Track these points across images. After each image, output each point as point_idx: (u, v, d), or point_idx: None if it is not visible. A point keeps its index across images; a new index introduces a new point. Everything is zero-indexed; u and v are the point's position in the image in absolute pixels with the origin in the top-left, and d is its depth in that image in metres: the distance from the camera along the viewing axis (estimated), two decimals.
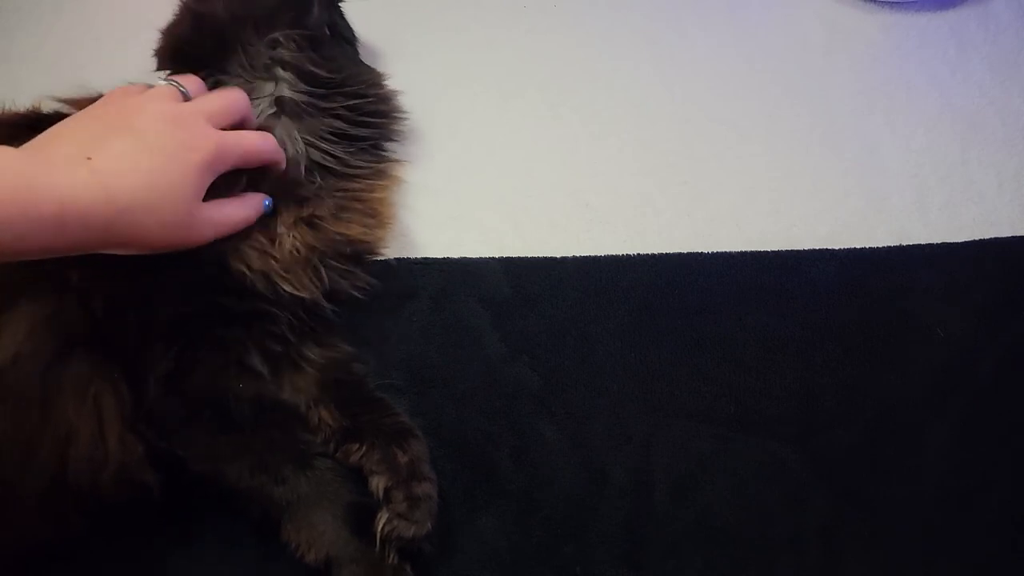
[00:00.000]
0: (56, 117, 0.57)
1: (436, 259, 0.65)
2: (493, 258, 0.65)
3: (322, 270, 0.57)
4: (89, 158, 0.46)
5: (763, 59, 0.77)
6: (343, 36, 0.69)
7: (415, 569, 0.51)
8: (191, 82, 0.56)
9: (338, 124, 0.61)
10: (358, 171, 0.62)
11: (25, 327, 0.48)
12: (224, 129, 0.53)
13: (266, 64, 0.60)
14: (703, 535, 0.54)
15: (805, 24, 0.79)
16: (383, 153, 0.65)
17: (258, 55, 0.60)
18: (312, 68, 0.61)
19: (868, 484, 0.56)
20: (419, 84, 0.71)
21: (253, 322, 0.54)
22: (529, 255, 0.66)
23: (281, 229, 0.56)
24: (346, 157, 0.61)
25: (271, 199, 0.56)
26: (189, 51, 0.61)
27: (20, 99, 0.59)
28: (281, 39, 0.61)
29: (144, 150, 0.48)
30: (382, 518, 0.51)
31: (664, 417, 0.59)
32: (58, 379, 0.48)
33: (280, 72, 0.60)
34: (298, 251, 0.56)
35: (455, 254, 0.66)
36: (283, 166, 0.57)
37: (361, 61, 0.70)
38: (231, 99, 0.55)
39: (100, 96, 0.57)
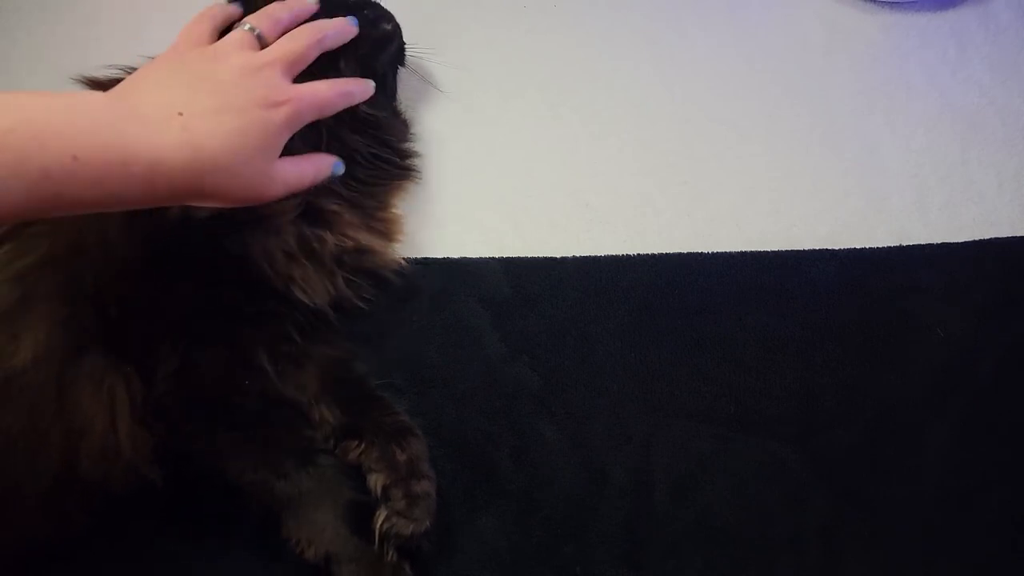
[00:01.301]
0: None
1: (436, 259, 0.65)
2: (493, 258, 0.65)
3: (339, 279, 0.58)
4: (180, 114, 0.45)
5: (763, 59, 0.77)
6: (388, 84, 0.69)
7: (414, 569, 0.52)
8: (265, 21, 0.55)
9: (356, 157, 0.62)
10: (370, 189, 0.63)
11: (44, 330, 0.49)
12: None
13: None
14: (703, 535, 0.54)
15: (805, 24, 0.79)
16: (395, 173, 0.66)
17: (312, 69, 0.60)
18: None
19: (868, 484, 0.56)
20: (419, 83, 0.71)
21: (262, 321, 0.55)
22: (529, 255, 0.66)
23: (311, 235, 0.56)
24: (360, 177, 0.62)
25: (341, 161, 0.56)
26: None
27: None
28: (343, 65, 0.61)
29: (230, 109, 0.47)
30: (381, 516, 0.51)
31: (664, 417, 0.59)
32: (74, 377, 0.49)
33: None
34: (322, 259, 0.57)
35: (455, 254, 0.66)
36: (366, 96, 0.57)
37: (397, 110, 0.70)
38: (304, 39, 0.54)
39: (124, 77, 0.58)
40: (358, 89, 0.57)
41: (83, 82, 0.59)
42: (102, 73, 0.60)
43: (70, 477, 0.49)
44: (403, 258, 0.64)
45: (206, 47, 0.53)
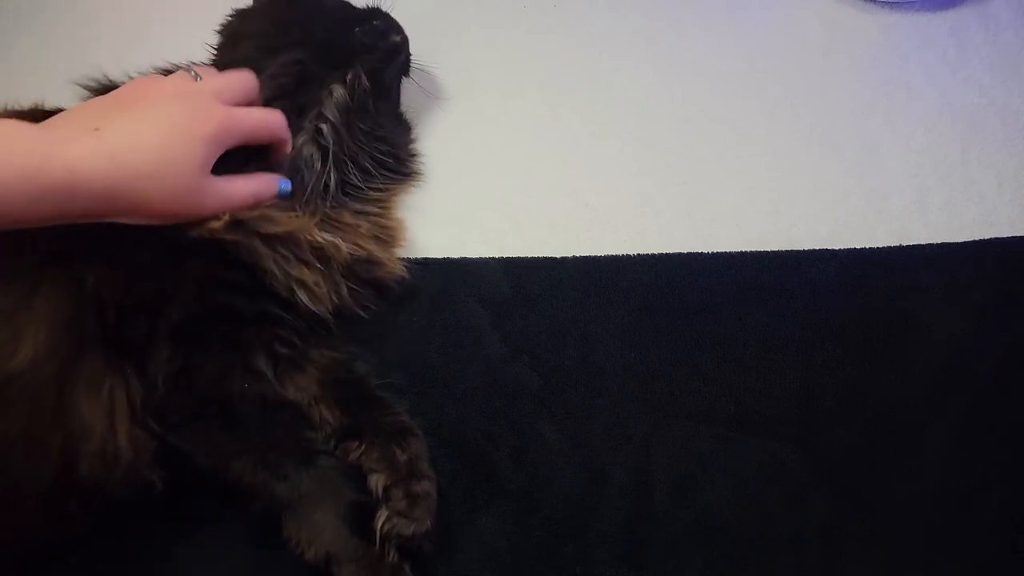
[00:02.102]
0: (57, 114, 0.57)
1: (436, 259, 0.65)
2: (493, 258, 0.65)
3: (344, 288, 0.58)
4: (97, 129, 0.47)
5: (763, 59, 0.77)
6: (394, 93, 0.70)
7: (415, 569, 0.51)
8: (205, 70, 0.57)
9: (363, 166, 0.62)
10: (375, 195, 0.63)
11: (44, 332, 0.49)
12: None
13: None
14: (703, 535, 0.54)
15: (805, 24, 0.79)
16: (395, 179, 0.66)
17: (323, 78, 0.61)
18: (360, 114, 0.62)
19: (868, 484, 0.56)
20: (419, 84, 0.71)
21: (262, 324, 0.55)
22: (529, 255, 0.66)
23: (319, 241, 0.56)
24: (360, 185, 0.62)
25: (289, 181, 0.57)
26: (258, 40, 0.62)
27: (20, 99, 0.59)
28: (348, 76, 0.61)
29: (150, 122, 0.49)
30: (381, 516, 0.51)
31: (664, 417, 0.59)
32: (73, 379, 0.49)
33: (332, 97, 0.61)
34: (332, 268, 0.57)
35: (455, 254, 0.66)
36: (289, 145, 0.58)
37: (401, 116, 0.71)
38: (238, 78, 0.56)
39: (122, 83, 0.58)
40: (281, 129, 0.57)
41: (84, 86, 0.59)
42: (104, 75, 0.60)
43: (69, 478, 0.49)
44: (403, 258, 0.64)
45: (140, 81, 0.56)
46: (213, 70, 0.58)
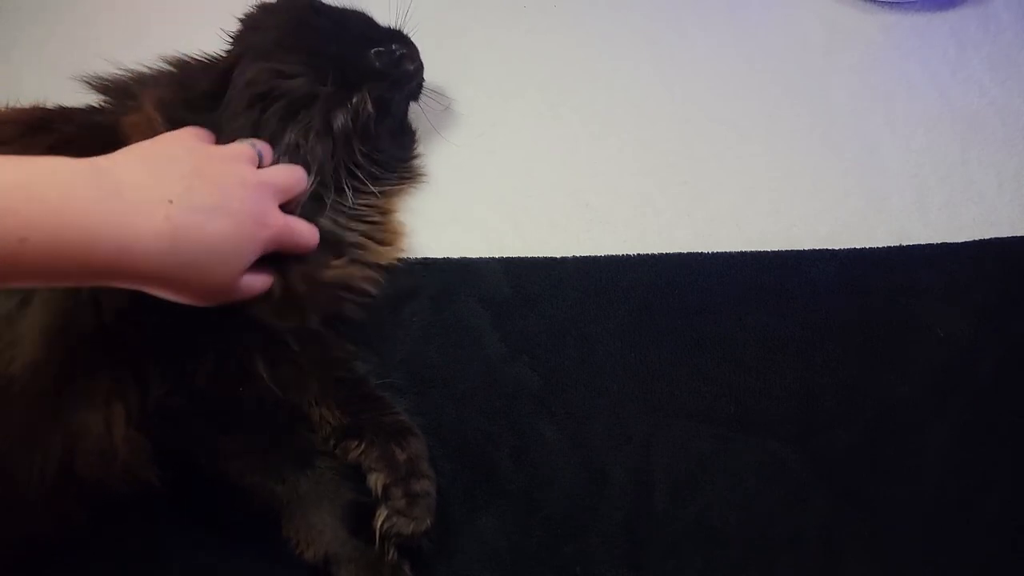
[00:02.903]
0: (60, 113, 0.57)
1: (436, 259, 0.65)
2: (493, 258, 0.65)
3: (346, 304, 0.59)
4: (171, 201, 0.43)
5: (763, 59, 0.77)
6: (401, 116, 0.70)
7: (414, 569, 0.52)
8: (265, 148, 0.55)
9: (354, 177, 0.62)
10: (377, 199, 0.63)
11: (42, 338, 0.49)
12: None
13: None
14: (703, 535, 0.54)
15: (805, 24, 0.79)
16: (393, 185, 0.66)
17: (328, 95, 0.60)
18: (361, 137, 0.61)
19: (868, 484, 0.56)
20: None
21: (259, 330, 0.54)
22: (529, 255, 0.66)
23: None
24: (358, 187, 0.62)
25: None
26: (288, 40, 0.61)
27: (20, 99, 0.59)
28: (354, 100, 0.61)
29: (224, 212, 0.46)
30: (381, 515, 0.51)
31: (664, 417, 0.59)
32: (71, 382, 0.49)
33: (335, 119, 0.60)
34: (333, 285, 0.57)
35: (455, 254, 0.66)
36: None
37: (404, 125, 0.70)
38: (297, 178, 0.55)
39: (131, 78, 0.58)
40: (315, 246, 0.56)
41: (87, 82, 0.59)
42: (107, 72, 0.60)
43: (68, 478, 0.49)
44: (404, 259, 0.64)
45: (212, 146, 0.52)
46: (271, 151, 0.55)
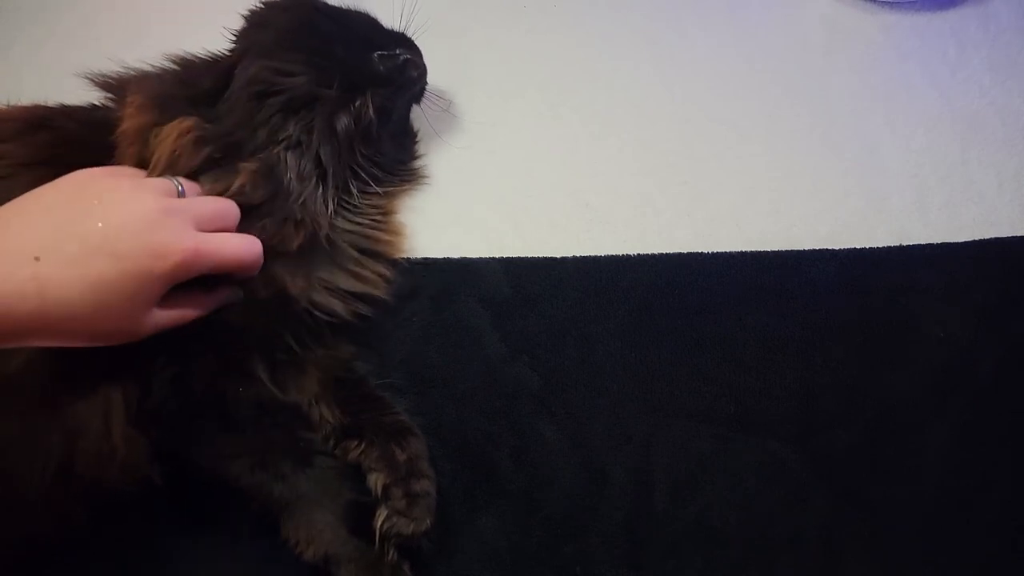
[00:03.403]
0: (60, 111, 0.57)
1: (436, 259, 0.65)
2: (493, 258, 0.65)
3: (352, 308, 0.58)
4: (37, 258, 0.42)
5: (763, 59, 0.77)
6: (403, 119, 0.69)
7: (414, 569, 0.52)
8: (188, 184, 0.52)
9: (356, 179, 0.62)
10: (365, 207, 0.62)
11: None
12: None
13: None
14: (703, 535, 0.54)
15: (805, 24, 0.79)
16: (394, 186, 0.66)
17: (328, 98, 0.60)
18: (362, 141, 0.61)
19: (868, 484, 0.56)
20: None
21: (259, 331, 0.54)
22: (529, 255, 0.66)
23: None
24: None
25: (238, 291, 0.53)
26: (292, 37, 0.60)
27: (21, 98, 0.59)
28: (357, 103, 0.60)
29: (106, 254, 0.44)
30: (381, 515, 0.51)
31: (664, 417, 0.59)
32: (68, 381, 0.49)
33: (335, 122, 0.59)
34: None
35: (455, 254, 0.66)
36: (255, 273, 0.53)
37: (406, 126, 0.70)
38: (224, 207, 0.51)
39: (134, 76, 0.57)
40: (255, 263, 0.52)
41: (90, 79, 0.59)
42: (110, 70, 0.60)
43: (67, 478, 0.49)
44: (405, 258, 0.64)
45: (119, 181, 0.49)
46: (197, 189, 0.52)
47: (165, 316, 0.48)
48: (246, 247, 0.51)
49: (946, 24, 0.78)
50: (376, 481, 0.52)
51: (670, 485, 0.56)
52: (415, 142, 0.71)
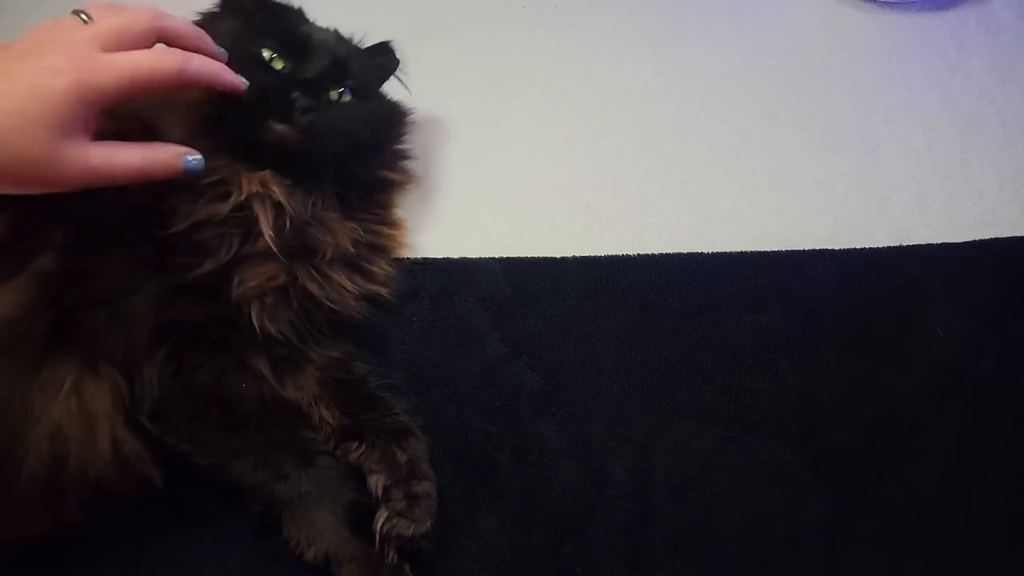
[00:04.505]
0: None
1: (436, 259, 0.65)
2: (493, 258, 0.65)
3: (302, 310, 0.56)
4: None
5: (763, 59, 0.77)
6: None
7: (415, 569, 0.51)
8: (102, 8, 0.48)
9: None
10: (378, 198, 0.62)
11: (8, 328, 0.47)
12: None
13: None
14: (703, 535, 0.54)
15: (805, 24, 0.79)
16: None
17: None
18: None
19: (868, 484, 0.56)
20: (419, 84, 0.71)
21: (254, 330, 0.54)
22: (529, 255, 0.66)
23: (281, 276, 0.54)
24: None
25: (200, 157, 0.49)
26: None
27: None
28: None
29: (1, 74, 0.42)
30: (381, 516, 0.51)
31: (664, 417, 0.59)
32: (36, 381, 0.48)
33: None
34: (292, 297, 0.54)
35: (455, 254, 0.66)
36: (236, 85, 0.50)
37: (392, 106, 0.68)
38: (129, 17, 0.47)
39: None
40: (177, 65, 0.47)
41: None
42: None
43: (58, 482, 0.48)
44: (405, 258, 0.64)
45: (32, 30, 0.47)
46: (115, 9, 0.48)
47: (97, 154, 0.45)
48: (160, 56, 0.47)
49: (946, 24, 0.78)
50: (376, 482, 0.52)
51: (670, 485, 0.56)
52: (403, 120, 0.68)
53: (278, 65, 0.56)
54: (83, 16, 0.47)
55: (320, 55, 0.58)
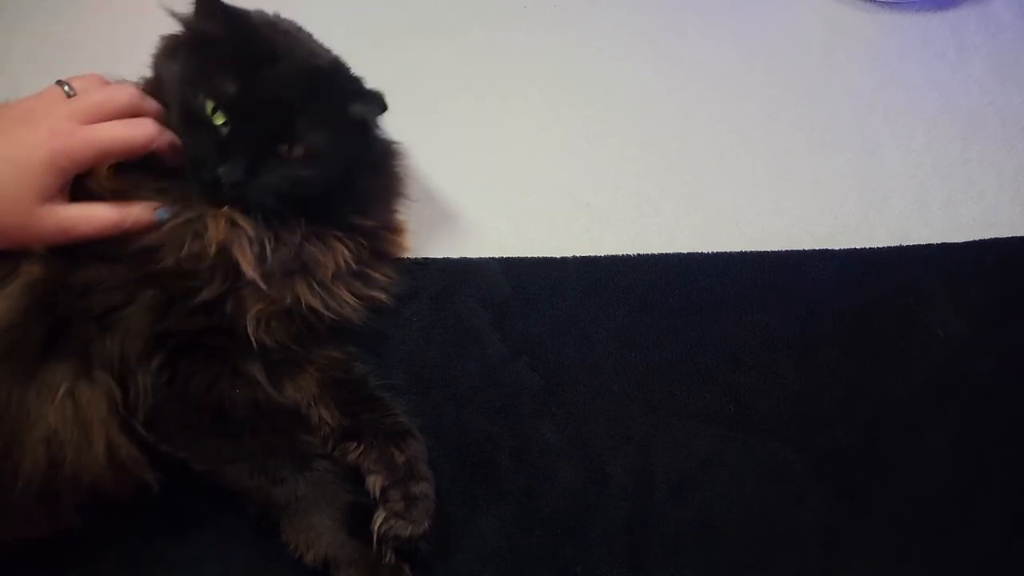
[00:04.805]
0: None
1: (436, 259, 0.65)
2: (493, 258, 0.65)
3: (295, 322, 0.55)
4: None
5: (763, 59, 0.77)
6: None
7: (415, 569, 0.51)
8: (85, 81, 0.53)
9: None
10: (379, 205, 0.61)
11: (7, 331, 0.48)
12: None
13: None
14: (703, 535, 0.54)
15: (805, 24, 0.79)
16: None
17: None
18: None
19: (868, 484, 0.56)
20: (420, 84, 0.71)
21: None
22: (529, 255, 0.66)
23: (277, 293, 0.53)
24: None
25: (165, 208, 0.52)
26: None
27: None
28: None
29: None
30: (379, 517, 0.51)
31: (664, 417, 0.59)
32: (33, 386, 0.48)
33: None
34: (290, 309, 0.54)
35: (455, 254, 0.66)
36: (167, 150, 0.52)
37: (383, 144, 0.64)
38: (107, 95, 0.51)
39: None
40: (144, 138, 0.51)
41: None
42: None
43: (56, 483, 0.48)
44: (405, 258, 0.64)
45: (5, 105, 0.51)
46: (97, 80, 0.53)
47: (70, 214, 0.49)
48: (123, 128, 0.51)
49: (946, 24, 0.78)
50: (375, 483, 0.52)
51: (670, 485, 0.56)
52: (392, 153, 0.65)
53: (219, 120, 0.52)
54: (66, 89, 0.52)
55: (268, 107, 0.52)
